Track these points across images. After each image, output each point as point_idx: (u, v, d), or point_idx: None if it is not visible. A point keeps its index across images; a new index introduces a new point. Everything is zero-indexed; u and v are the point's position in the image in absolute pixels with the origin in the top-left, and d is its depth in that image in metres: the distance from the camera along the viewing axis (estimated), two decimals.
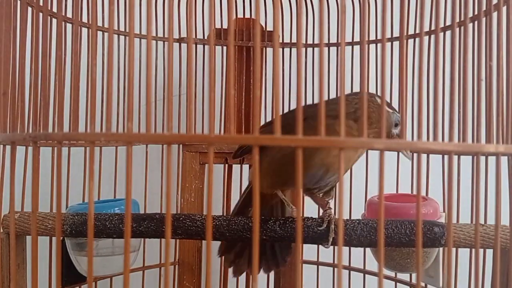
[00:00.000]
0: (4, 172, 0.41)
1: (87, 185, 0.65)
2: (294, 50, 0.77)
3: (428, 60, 0.64)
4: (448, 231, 0.27)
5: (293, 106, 0.78)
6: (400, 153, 0.60)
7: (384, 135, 0.27)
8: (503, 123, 0.40)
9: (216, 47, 0.76)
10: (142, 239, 0.65)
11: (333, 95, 0.74)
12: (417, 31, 0.67)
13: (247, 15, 0.77)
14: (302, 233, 0.47)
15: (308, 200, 0.72)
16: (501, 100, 0.40)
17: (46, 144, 0.56)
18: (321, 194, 0.52)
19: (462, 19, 0.54)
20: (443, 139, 0.61)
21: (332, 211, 0.49)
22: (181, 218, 0.50)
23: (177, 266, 0.74)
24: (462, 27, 0.56)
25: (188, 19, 0.74)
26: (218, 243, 0.56)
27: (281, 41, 0.77)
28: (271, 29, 0.77)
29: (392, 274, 0.66)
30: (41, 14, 0.39)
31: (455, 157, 0.58)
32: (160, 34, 0.74)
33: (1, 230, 0.51)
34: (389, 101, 0.70)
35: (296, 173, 0.25)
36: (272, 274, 0.75)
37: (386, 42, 0.29)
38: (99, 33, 0.66)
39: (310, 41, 0.76)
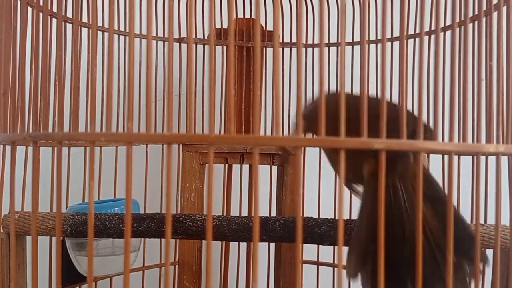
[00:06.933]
0: (4, 172, 0.41)
1: (87, 185, 0.65)
2: (294, 50, 0.77)
3: (428, 60, 0.64)
4: (448, 231, 0.27)
5: (293, 106, 0.78)
6: None
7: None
8: (503, 123, 0.40)
9: (216, 47, 0.76)
10: (142, 239, 0.65)
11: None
12: (417, 31, 0.67)
13: (247, 15, 0.77)
14: (302, 233, 0.47)
15: (308, 199, 0.73)
16: (501, 100, 0.40)
17: (46, 144, 0.56)
18: None
19: (462, 19, 0.54)
20: (443, 139, 0.61)
21: None
22: (181, 218, 0.50)
23: (177, 266, 0.74)
24: (462, 27, 0.56)
25: (188, 19, 0.74)
26: (219, 243, 0.56)
27: (281, 41, 0.77)
28: (271, 29, 0.77)
29: None
30: (41, 14, 0.39)
31: (455, 157, 0.58)
32: (160, 34, 0.74)
33: (1, 230, 0.51)
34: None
35: None
36: (272, 274, 0.75)
37: (386, 42, 0.29)
38: (99, 33, 0.66)
39: (310, 41, 0.76)
